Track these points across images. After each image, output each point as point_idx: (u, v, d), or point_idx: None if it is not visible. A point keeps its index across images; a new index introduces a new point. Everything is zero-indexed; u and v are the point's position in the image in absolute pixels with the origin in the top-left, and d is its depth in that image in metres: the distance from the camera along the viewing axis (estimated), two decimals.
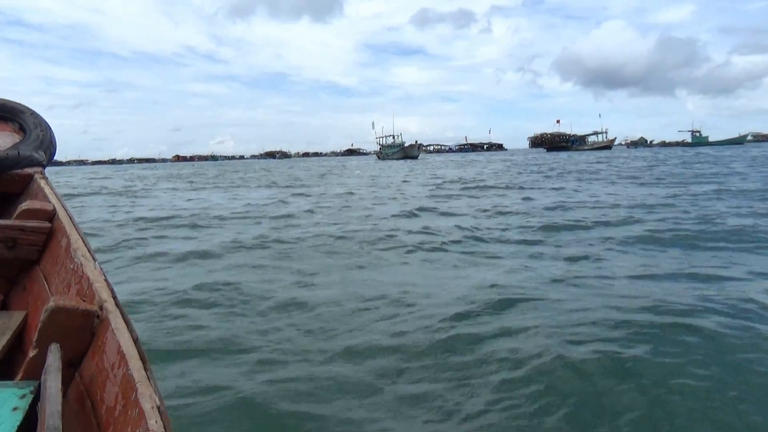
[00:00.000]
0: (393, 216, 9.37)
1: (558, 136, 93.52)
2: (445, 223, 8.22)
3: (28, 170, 2.25)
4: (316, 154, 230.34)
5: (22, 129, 2.67)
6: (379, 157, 73.43)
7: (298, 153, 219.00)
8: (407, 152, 64.10)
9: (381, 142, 76.28)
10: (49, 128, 2.68)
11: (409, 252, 6.11)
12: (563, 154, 62.04)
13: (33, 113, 2.74)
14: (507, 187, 15.01)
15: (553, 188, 14.26)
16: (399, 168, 36.02)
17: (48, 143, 2.58)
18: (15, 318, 1.47)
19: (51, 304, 1.11)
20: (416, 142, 65.46)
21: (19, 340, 1.42)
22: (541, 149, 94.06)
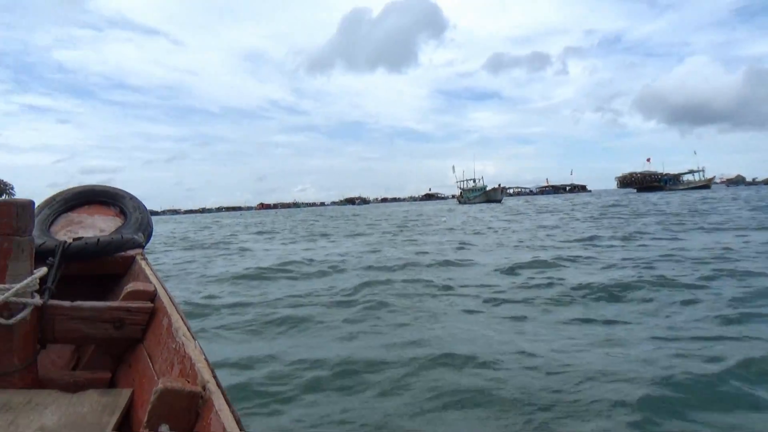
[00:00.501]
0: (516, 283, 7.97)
1: (649, 175, 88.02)
2: (598, 276, 6.72)
3: (130, 252, 2.42)
4: (395, 200, 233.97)
5: (122, 212, 2.87)
6: (459, 201, 72.10)
7: (377, 198, 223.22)
8: (490, 196, 62.44)
9: (461, 186, 75.06)
10: (146, 210, 2.87)
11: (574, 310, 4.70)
12: (656, 195, 57.77)
13: (132, 197, 2.96)
14: (625, 238, 13.11)
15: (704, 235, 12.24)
16: (485, 213, 34.38)
17: (146, 225, 2.76)
18: (123, 396, 1.50)
19: (160, 386, 1.15)
20: (499, 185, 63.65)
21: (126, 416, 1.45)
22: (631, 190, 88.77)
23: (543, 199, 70.65)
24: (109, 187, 3.01)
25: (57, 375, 1.72)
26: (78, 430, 1.31)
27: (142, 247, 2.53)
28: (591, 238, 12.89)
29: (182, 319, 1.57)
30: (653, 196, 53.34)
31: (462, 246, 12.80)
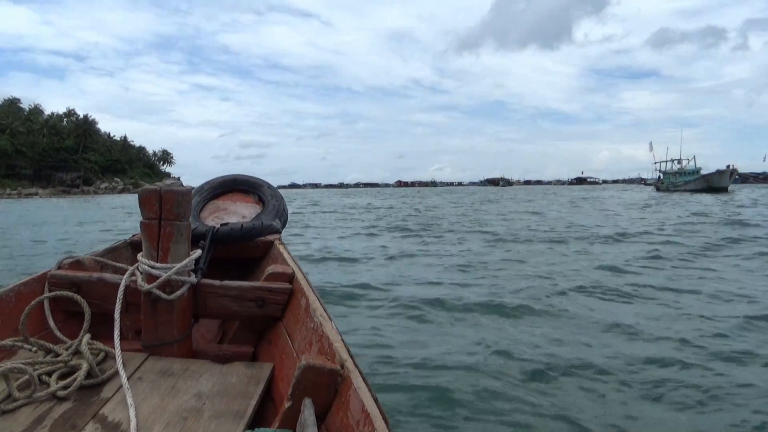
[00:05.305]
0: None
1: None
2: None
3: (269, 237, 2.64)
4: (538, 182, 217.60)
5: (261, 200, 3.12)
6: (658, 188, 56.55)
7: (519, 181, 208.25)
8: (712, 182, 46.28)
9: (661, 168, 59.12)
10: (282, 198, 3.10)
11: None
12: None
13: (269, 186, 3.22)
14: None
15: None
16: None
17: (282, 212, 2.98)
18: (265, 369, 1.60)
19: (303, 362, 1.19)
20: (728, 167, 46.71)
21: (266, 388, 1.53)
22: None
23: None
24: (249, 176, 3.28)
25: (207, 347, 1.85)
26: (228, 397, 1.42)
27: (279, 232, 2.76)
28: None
29: (318, 301, 1.63)
30: None
31: None
